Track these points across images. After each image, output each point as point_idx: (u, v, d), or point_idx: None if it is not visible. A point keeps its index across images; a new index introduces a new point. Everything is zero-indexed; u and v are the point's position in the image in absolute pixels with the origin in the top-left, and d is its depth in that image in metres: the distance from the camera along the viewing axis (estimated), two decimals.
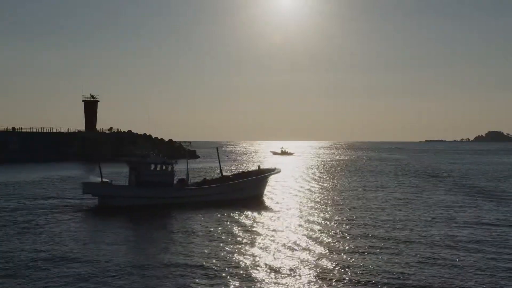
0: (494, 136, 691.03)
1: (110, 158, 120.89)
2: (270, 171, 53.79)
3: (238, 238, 31.32)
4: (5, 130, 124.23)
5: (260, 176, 51.75)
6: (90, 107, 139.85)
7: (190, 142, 50.35)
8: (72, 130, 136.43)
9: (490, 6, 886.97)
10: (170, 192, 46.27)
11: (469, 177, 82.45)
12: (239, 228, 34.70)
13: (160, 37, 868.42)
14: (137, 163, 46.42)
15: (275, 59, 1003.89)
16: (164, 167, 46.38)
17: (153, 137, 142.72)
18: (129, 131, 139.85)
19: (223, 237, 31.57)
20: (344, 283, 22.35)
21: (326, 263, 25.37)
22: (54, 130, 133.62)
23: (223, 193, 48.02)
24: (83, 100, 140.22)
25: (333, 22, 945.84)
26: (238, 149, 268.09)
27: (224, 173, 55.99)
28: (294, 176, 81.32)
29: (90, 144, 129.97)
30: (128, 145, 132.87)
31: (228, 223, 36.87)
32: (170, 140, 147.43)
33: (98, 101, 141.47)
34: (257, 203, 47.02)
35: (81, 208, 44.15)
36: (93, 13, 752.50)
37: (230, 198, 47.32)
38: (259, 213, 41.23)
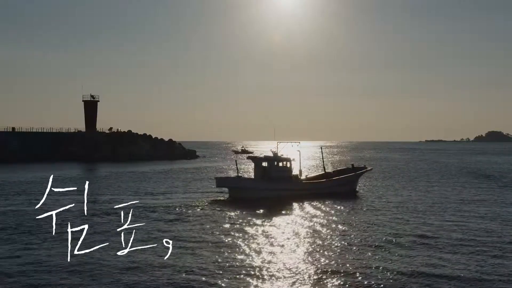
0: (494, 136, 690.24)
1: (110, 157, 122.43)
2: (364, 169, 61.35)
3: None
4: (5, 130, 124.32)
5: (358, 173, 59.06)
6: (90, 107, 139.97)
7: (299, 142, 57.00)
8: (72, 130, 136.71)
9: (490, 6, 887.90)
10: (290, 186, 51.91)
11: None
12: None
13: (160, 37, 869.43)
14: (264, 160, 52.52)
15: (275, 59, 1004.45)
16: (285, 164, 51.55)
17: (153, 137, 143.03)
18: (129, 131, 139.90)
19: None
20: None
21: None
22: (54, 130, 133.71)
23: (330, 187, 54.29)
24: (83, 100, 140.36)
25: (333, 21, 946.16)
26: (217, 151, 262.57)
27: (327, 170, 63.00)
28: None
29: (90, 144, 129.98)
30: (128, 145, 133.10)
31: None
32: (170, 140, 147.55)
33: (98, 101, 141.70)
34: (355, 196, 53.64)
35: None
36: (93, 13, 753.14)
37: (335, 191, 53.05)
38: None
